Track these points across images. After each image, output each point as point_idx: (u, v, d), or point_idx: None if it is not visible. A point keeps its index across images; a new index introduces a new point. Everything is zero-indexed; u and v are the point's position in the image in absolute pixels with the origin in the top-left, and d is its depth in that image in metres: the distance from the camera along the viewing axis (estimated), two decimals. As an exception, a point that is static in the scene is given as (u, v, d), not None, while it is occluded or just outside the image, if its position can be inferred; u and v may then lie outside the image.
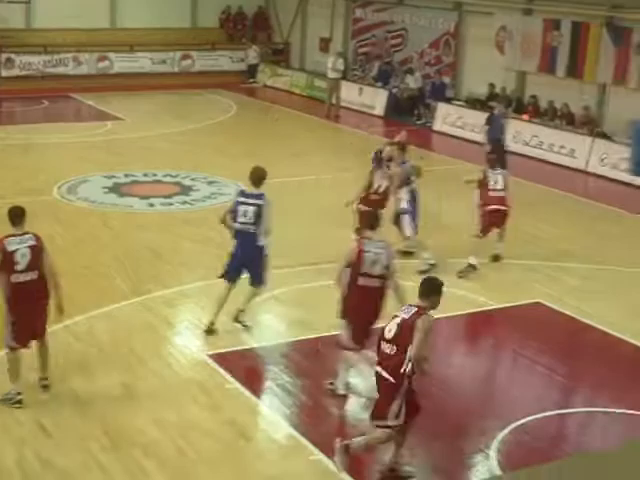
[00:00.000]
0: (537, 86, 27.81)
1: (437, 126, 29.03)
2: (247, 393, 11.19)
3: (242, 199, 12.75)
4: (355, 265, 10.63)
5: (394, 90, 31.70)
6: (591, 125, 25.27)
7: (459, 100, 29.94)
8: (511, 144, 24.78)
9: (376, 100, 31.81)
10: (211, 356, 12.12)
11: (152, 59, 36.25)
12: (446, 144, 27.60)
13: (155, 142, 25.61)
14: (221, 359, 12.00)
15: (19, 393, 10.54)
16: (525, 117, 26.84)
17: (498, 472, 9.54)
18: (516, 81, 28.62)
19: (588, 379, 12.38)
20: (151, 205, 19.26)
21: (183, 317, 13.69)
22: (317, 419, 10.75)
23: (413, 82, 31.26)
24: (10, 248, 10.32)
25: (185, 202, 19.54)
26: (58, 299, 10.68)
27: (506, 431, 10.44)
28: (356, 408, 10.99)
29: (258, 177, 12.84)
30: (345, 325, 10.87)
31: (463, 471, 9.93)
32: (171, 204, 19.37)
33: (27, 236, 10.49)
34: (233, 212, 12.66)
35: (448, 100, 29.76)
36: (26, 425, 10.28)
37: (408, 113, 30.71)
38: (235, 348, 12.46)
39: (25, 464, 9.49)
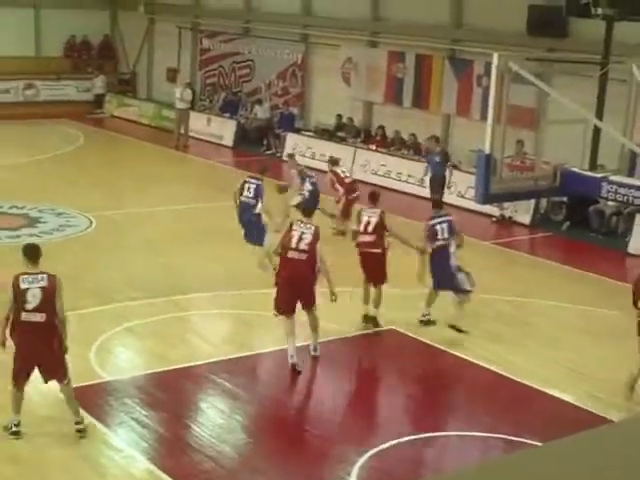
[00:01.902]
0: (384, 117, 28.32)
1: (286, 156, 29.17)
2: (101, 427, 10.97)
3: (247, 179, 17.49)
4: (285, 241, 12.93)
5: (242, 120, 31.78)
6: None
7: (308, 130, 30.21)
8: (360, 173, 25.16)
9: (224, 130, 31.80)
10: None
11: (-5, 89, 35.38)
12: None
13: (0, 173, 24.95)
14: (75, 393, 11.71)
15: (17, 424, 10.46)
16: (373, 147, 27.27)
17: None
18: (363, 111, 29.09)
19: (444, 403, 12.60)
20: (-3, 238, 18.74)
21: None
22: (175, 451, 10.61)
23: (262, 112, 31.40)
24: (23, 286, 10.22)
25: (32, 234, 19.05)
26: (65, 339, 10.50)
27: (366, 456, 10.52)
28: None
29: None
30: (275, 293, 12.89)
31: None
32: (19, 236, 18.85)
33: (40, 276, 10.33)
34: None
35: (297, 130, 30.00)
36: None
37: (257, 143, 30.83)
38: (89, 382, 12.18)
39: None
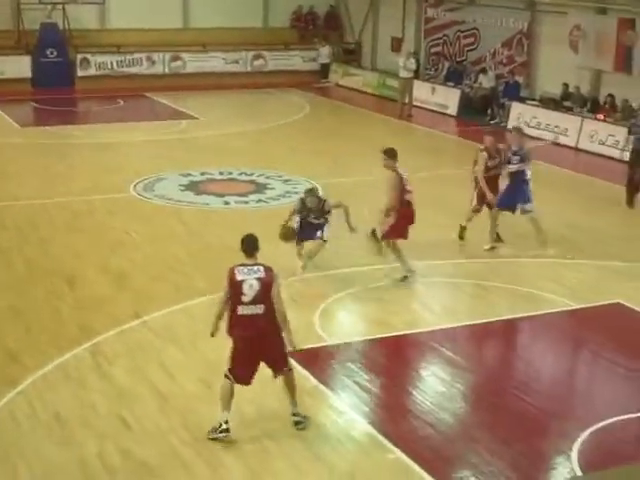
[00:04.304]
0: (612, 85, 27.45)
1: (511, 125, 28.76)
2: (324, 389, 11.23)
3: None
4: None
5: (467, 89, 31.55)
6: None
7: (533, 99, 29.68)
8: (586, 143, 24.53)
9: (449, 99, 31.68)
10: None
11: (225, 59, 36.48)
12: (520, 144, 27.32)
13: (230, 141, 25.80)
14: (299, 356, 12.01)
15: (226, 422, 9.99)
16: (600, 117, 26.51)
17: (579, 473, 9.43)
18: (591, 80, 28.29)
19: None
20: (227, 203, 19.40)
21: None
22: (395, 416, 10.72)
23: (486, 81, 31.07)
24: (239, 278, 9.86)
25: (260, 200, 19.66)
26: (288, 333, 10.03)
27: (587, 432, 10.31)
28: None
29: None
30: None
31: (543, 472, 9.84)
32: (246, 202, 19.49)
33: (256, 267, 9.94)
34: None
35: (522, 100, 29.52)
36: (107, 418, 10.42)
37: (481, 112, 30.53)
38: (313, 345, 12.41)
39: (106, 456, 9.62)
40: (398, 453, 9.77)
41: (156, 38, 35.53)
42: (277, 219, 16.11)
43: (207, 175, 21.60)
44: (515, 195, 16.40)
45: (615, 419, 10.66)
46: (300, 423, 10.22)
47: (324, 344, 12.53)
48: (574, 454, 9.85)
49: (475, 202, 16.74)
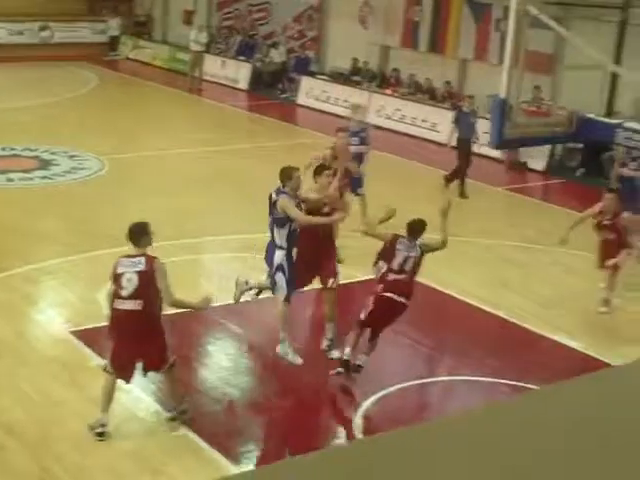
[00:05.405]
0: (400, 61, 28.07)
1: (301, 100, 29.05)
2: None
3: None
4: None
5: (257, 64, 31.57)
6: (453, 100, 25.65)
7: (323, 74, 29.99)
8: (375, 118, 24.96)
9: (239, 73, 31.61)
10: (74, 333, 11.85)
11: (9, 30, 35.13)
12: (309, 117, 27.65)
13: (14, 115, 24.82)
14: (84, 336, 11.74)
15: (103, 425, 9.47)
16: (388, 91, 27.07)
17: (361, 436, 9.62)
18: (379, 55, 28.83)
19: (449, 349, 12.56)
20: (10, 180, 18.71)
21: (44, 294, 13.37)
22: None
23: (277, 56, 31.20)
24: (119, 270, 9.32)
25: (45, 177, 19.04)
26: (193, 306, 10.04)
27: (370, 400, 10.53)
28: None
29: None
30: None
31: (328, 440, 9.98)
32: (31, 179, 18.84)
33: (138, 259, 9.30)
34: None
35: (312, 74, 29.79)
36: None
37: (272, 87, 30.67)
38: (97, 325, 12.17)
39: None
40: (184, 430, 9.68)
41: None
42: (62, 196, 15.77)
43: (-12, 151, 20.79)
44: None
45: (395, 387, 10.95)
46: (174, 419, 9.76)
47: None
48: (358, 420, 10.07)
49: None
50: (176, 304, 9.59)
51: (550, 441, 2.72)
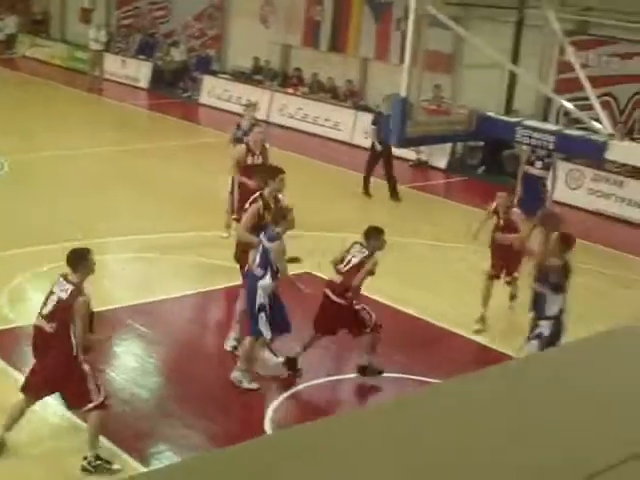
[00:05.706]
0: (301, 60, 28.15)
1: (203, 99, 28.93)
2: (13, 372, 10.82)
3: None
4: None
5: (158, 62, 31.33)
6: (354, 98, 25.84)
7: (225, 73, 29.91)
8: (277, 117, 25.02)
9: (140, 72, 31.34)
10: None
11: None
12: (212, 116, 27.55)
13: None
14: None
15: None
16: (290, 90, 27.13)
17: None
18: (280, 54, 28.86)
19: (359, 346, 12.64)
20: None
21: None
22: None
23: (178, 55, 31.01)
24: (51, 287, 8.96)
25: (-60, 177, 18.62)
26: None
27: (281, 398, 10.59)
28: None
29: None
30: None
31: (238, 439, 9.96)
32: None
33: (67, 286, 8.81)
34: None
35: (214, 73, 29.69)
36: None
37: (173, 86, 30.49)
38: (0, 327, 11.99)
39: None
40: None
41: None
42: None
43: None
44: None
45: (304, 385, 11.04)
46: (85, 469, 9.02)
47: (12, 325, 12.06)
48: (268, 418, 10.12)
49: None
50: (85, 341, 8.97)
51: (456, 431, 2.80)
